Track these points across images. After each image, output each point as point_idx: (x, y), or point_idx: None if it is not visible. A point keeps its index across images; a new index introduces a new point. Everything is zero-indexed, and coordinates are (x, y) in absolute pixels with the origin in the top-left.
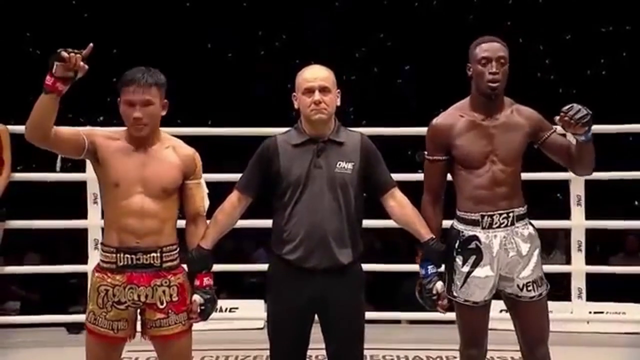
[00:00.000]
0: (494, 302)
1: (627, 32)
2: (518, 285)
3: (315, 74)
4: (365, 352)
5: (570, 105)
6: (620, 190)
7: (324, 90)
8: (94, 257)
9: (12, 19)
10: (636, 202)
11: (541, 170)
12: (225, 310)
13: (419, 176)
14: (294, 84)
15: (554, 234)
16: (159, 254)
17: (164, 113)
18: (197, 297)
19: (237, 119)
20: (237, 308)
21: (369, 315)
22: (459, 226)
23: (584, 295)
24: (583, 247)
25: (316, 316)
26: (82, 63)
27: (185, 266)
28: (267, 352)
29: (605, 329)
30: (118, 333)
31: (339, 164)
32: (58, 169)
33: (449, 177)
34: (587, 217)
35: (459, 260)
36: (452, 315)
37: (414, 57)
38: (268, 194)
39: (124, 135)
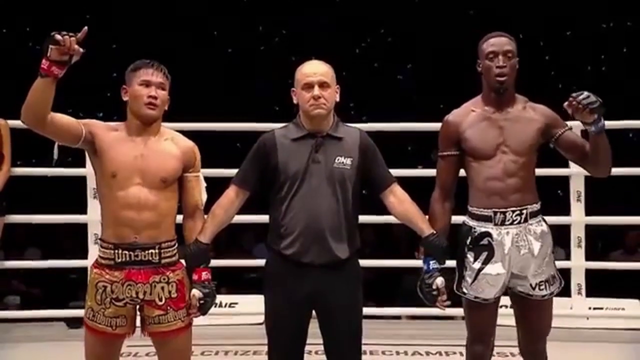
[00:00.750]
0: None
1: (627, 28)
2: (531, 285)
3: (315, 69)
4: (365, 347)
5: (580, 92)
6: (620, 187)
7: (323, 85)
8: (94, 251)
9: (13, 14)
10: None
11: (541, 166)
12: (225, 306)
13: (418, 172)
14: (293, 80)
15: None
16: (157, 251)
17: (165, 107)
18: (195, 292)
19: (236, 114)
20: (236, 303)
21: (369, 310)
22: (471, 222)
23: (583, 291)
24: (583, 243)
25: (314, 311)
26: (77, 46)
27: (183, 261)
28: (267, 348)
29: (605, 324)
30: (116, 330)
31: (338, 159)
32: (55, 156)
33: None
34: (587, 213)
35: (470, 256)
36: (451, 312)
37: (414, 53)
38: (265, 189)
39: (123, 127)
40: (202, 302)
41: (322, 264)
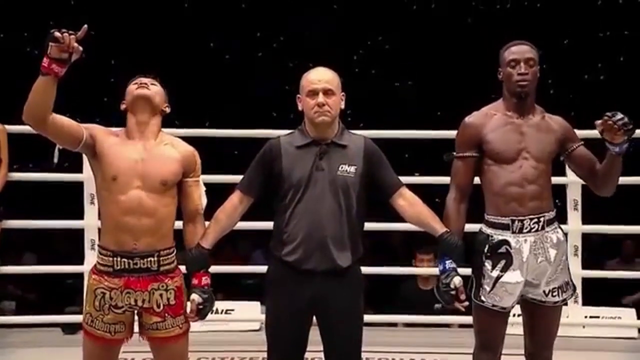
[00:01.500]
0: None
1: (625, 37)
2: (544, 291)
3: (320, 76)
4: (362, 354)
5: (614, 112)
6: (617, 195)
7: (328, 92)
8: (91, 257)
9: (11, 19)
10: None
11: None
12: (222, 312)
13: (417, 179)
14: (293, 86)
15: None
16: (156, 258)
17: (165, 107)
18: (195, 296)
19: (235, 120)
20: (233, 310)
21: (366, 318)
22: (488, 230)
23: (579, 299)
24: (579, 252)
25: (315, 318)
26: (76, 44)
27: (183, 268)
28: (264, 354)
29: (601, 333)
30: (115, 335)
31: (342, 167)
32: (55, 160)
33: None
34: (584, 222)
35: (488, 264)
36: (447, 319)
37: (413, 60)
38: (269, 195)
39: (122, 133)
40: (201, 307)
41: (324, 271)
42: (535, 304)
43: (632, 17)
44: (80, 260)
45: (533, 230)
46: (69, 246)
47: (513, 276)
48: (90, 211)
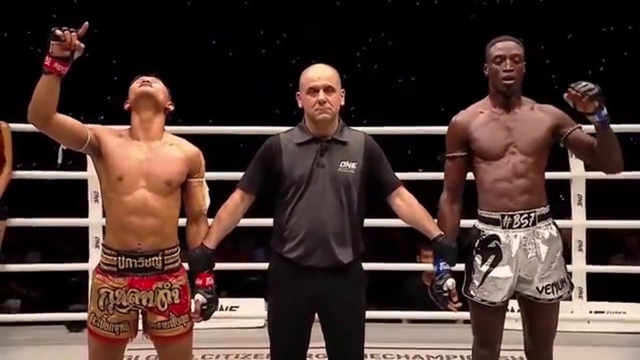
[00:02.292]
0: None
1: (628, 32)
2: (537, 288)
3: (320, 73)
4: (366, 351)
5: (578, 81)
6: (621, 190)
7: (328, 89)
8: (95, 255)
9: (14, 18)
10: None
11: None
12: (226, 309)
13: (419, 175)
14: (294, 83)
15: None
16: (160, 257)
17: (169, 104)
18: (199, 297)
19: (238, 118)
20: (237, 307)
21: (370, 314)
22: (480, 225)
23: (584, 294)
24: (584, 247)
25: (316, 315)
26: (78, 42)
27: (186, 265)
28: (268, 351)
29: (606, 328)
30: (120, 335)
31: (342, 164)
32: (60, 160)
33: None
34: (588, 217)
35: (478, 259)
36: (452, 315)
37: (414, 57)
38: (270, 193)
39: (127, 133)
40: (205, 307)
41: (325, 268)
42: (530, 301)
43: (635, 12)
44: (84, 258)
45: (523, 225)
46: (73, 244)
47: (502, 271)
48: (95, 209)
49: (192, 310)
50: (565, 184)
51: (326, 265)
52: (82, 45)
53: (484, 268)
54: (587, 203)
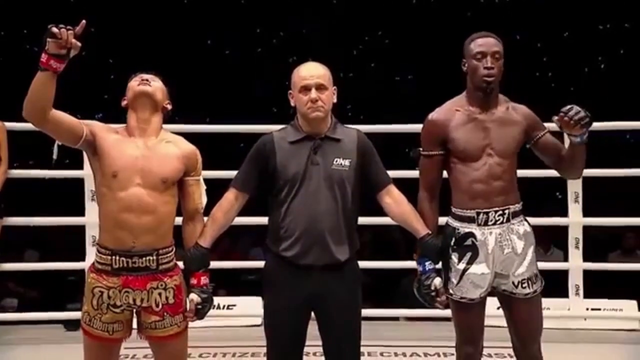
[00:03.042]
0: (490, 299)
1: (625, 30)
2: (513, 283)
3: (312, 72)
4: (363, 349)
5: (570, 106)
6: (618, 188)
7: (320, 87)
8: (92, 254)
9: (10, 16)
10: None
11: (540, 168)
12: (223, 308)
13: (415, 173)
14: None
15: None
16: (154, 257)
17: (167, 104)
18: (194, 296)
19: (235, 117)
20: (234, 305)
21: (367, 312)
22: (455, 223)
23: (581, 292)
24: (580, 244)
25: (313, 313)
26: (74, 40)
27: (181, 264)
28: (265, 349)
29: (603, 325)
30: (113, 335)
31: (336, 161)
32: (55, 157)
33: (445, 174)
34: (585, 214)
35: (454, 257)
36: (449, 313)
37: (412, 55)
38: (265, 191)
39: (123, 130)
40: (199, 306)
41: (322, 266)
42: (507, 296)
43: (632, 10)
44: (81, 257)
45: (498, 222)
46: (70, 243)
47: (479, 268)
48: (91, 207)
49: (187, 309)
50: (562, 182)
51: (323, 263)
52: (79, 44)
53: (461, 266)
54: (584, 200)
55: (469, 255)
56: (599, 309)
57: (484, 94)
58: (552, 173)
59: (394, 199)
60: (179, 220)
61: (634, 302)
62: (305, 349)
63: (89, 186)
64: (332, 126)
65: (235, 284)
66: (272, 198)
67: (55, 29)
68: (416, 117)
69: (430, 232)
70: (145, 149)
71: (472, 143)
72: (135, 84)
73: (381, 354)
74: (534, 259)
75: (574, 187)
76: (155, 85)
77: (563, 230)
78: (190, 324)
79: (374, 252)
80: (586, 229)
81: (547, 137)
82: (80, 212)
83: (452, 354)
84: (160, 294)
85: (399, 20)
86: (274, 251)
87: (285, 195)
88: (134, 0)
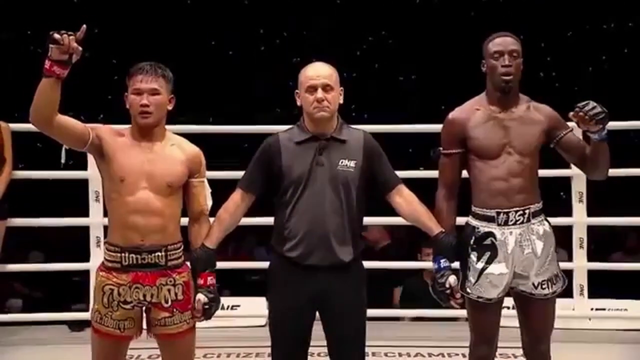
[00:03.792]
0: None
1: (629, 29)
2: (533, 284)
3: (318, 72)
4: (367, 349)
5: (586, 102)
6: (622, 188)
7: (326, 88)
8: (96, 254)
9: (14, 17)
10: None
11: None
12: (227, 308)
13: (420, 173)
14: (295, 82)
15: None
16: (163, 253)
17: (170, 107)
18: (201, 296)
19: (238, 117)
20: (239, 306)
21: (371, 312)
22: (474, 222)
23: (585, 292)
24: (585, 244)
25: (318, 314)
26: (76, 45)
27: (189, 264)
28: (269, 350)
29: (607, 325)
30: (124, 332)
31: (342, 162)
32: (63, 160)
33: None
34: (589, 214)
35: (473, 256)
36: (453, 313)
37: (415, 55)
38: (270, 192)
39: (129, 132)
40: (206, 306)
41: (326, 267)
42: (526, 297)
43: (636, 9)
44: (86, 258)
45: (518, 222)
46: (75, 244)
47: (497, 268)
48: (96, 208)
49: (195, 309)
50: (566, 182)
51: (327, 263)
52: (80, 49)
53: (480, 265)
54: (588, 200)
55: (487, 254)
56: (604, 309)
57: (503, 93)
58: (556, 173)
59: (404, 198)
60: (185, 220)
61: (639, 302)
62: (310, 349)
63: (94, 187)
64: (338, 127)
65: (239, 284)
66: (277, 198)
67: (57, 35)
68: (418, 118)
69: (443, 230)
70: (151, 153)
71: (491, 141)
72: (135, 108)
73: (385, 354)
74: (554, 259)
75: (578, 187)
76: (155, 108)
77: (567, 230)
78: (196, 324)
79: (377, 252)
80: (590, 229)
81: (570, 137)
82: (85, 213)
83: (457, 354)
84: (169, 290)
85: (402, 20)
86: (279, 251)
87: (290, 196)
88: (137, 1)
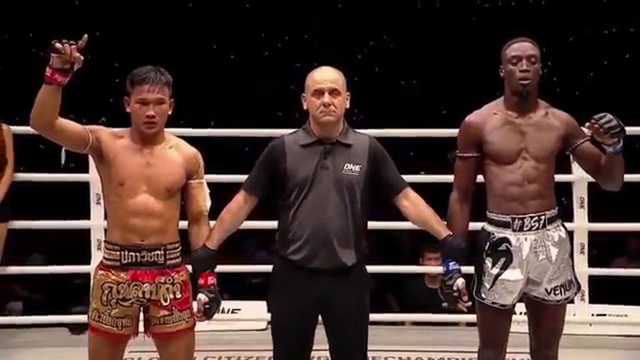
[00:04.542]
0: None
1: (630, 34)
2: (546, 289)
3: (325, 76)
4: (369, 353)
5: (603, 114)
6: (624, 193)
7: (333, 92)
8: (97, 257)
9: (15, 19)
10: None
11: None
12: (228, 312)
13: (421, 178)
14: (296, 86)
15: None
16: (162, 252)
17: (170, 112)
18: (201, 296)
19: (240, 120)
20: (239, 309)
21: (372, 316)
22: (490, 228)
23: (586, 297)
24: (586, 250)
25: (320, 317)
26: (77, 54)
27: (190, 267)
28: (270, 353)
29: (608, 331)
30: (122, 330)
31: (346, 166)
32: (62, 161)
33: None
34: (590, 220)
35: (488, 262)
36: (455, 318)
37: (416, 60)
38: (274, 194)
39: (128, 134)
40: (207, 306)
41: (329, 270)
42: (538, 302)
43: (637, 14)
44: (87, 260)
45: (534, 228)
46: (76, 246)
47: (513, 274)
48: (97, 211)
49: (195, 309)
50: (568, 187)
51: (329, 267)
52: (82, 58)
53: (495, 271)
54: (589, 206)
55: (502, 260)
56: (605, 315)
57: (520, 98)
58: (558, 178)
59: (411, 201)
60: (183, 224)
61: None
62: (312, 353)
63: (95, 190)
64: (344, 131)
65: (239, 287)
66: (281, 201)
67: (58, 45)
68: (419, 122)
69: (451, 233)
70: (151, 156)
71: (507, 145)
72: (141, 118)
73: (386, 359)
74: (568, 265)
75: (579, 192)
76: (160, 118)
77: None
78: (196, 328)
79: (378, 256)
80: (591, 234)
81: (586, 146)
82: (86, 216)
83: (457, 359)
84: (168, 289)
85: (404, 24)
86: (282, 254)
87: (294, 199)
88: (139, 4)
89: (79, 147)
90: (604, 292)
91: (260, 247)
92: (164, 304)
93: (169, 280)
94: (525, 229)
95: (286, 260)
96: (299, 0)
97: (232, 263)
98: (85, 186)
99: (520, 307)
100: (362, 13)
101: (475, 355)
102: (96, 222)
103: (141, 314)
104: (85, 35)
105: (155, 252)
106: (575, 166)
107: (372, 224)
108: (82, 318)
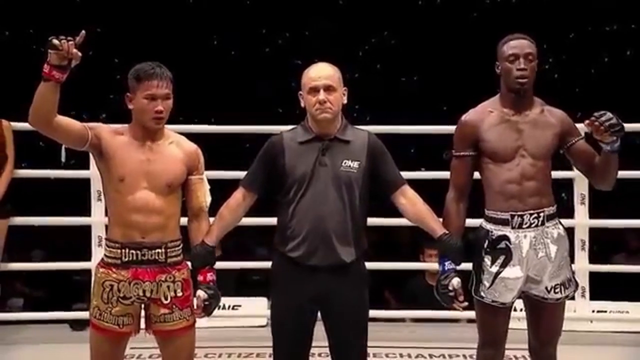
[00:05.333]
0: None
1: (631, 31)
2: (546, 288)
3: (320, 73)
4: (369, 350)
5: (603, 112)
6: (624, 190)
7: (329, 89)
8: (98, 254)
9: (16, 16)
10: None
11: None
12: (228, 308)
13: (422, 174)
14: (297, 82)
15: None
16: (163, 250)
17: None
18: (201, 293)
19: (239, 117)
20: (239, 306)
21: (372, 313)
22: (488, 226)
23: (587, 294)
24: (586, 246)
25: (319, 314)
26: (75, 50)
27: (190, 263)
28: (270, 350)
29: (609, 327)
30: (123, 328)
31: (345, 163)
32: (63, 159)
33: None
34: (591, 216)
35: (487, 260)
36: (455, 314)
37: (417, 56)
38: (273, 191)
39: (128, 131)
40: (206, 303)
41: (328, 267)
42: (537, 301)
43: (638, 11)
44: (87, 257)
45: (533, 225)
46: (76, 243)
47: (512, 272)
48: (97, 208)
49: (195, 306)
50: (568, 183)
51: (328, 264)
52: (80, 54)
53: (494, 269)
54: (590, 202)
55: (502, 258)
56: (605, 311)
57: (517, 96)
58: (558, 175)
59: (408, 199)
60: (184, 220)
61: None
62: (312, 350)
63: (96, 186)
64: (342, 127)
65: (240, 284)
66: (280, 198)
67: (56, 41)
68: (420, 119)
69: (447, 232)
70: (151, 152)
71: (504, 143)
72: (149, 113)
73: (386, 355)
74: (567, 263)
75: (580, 188)
76: (167, 108)
77: (569, 232)
78: (196, 324)
79: (378, 253)
80: (592, 231)
81: (581, 144)
82: (87, 212)
83: (457, 356)
84: (168, 287)
85: (405, 21)
86: (281, 251)
87: (292, 196)
88: (140, 1)
89: (77, 145)
90: (604, 288)
91: (260, 243)
92: (165, 302)
93: (170, 278)
94: (524, 226)
95: (285, 257)
96: None
97: (233, 259)
98: (86, 183)
99: (519, 304)
100: (363, 10)
101: (475, 351)
102: (97, 219)
103: (142, 311)
104: (83, 32)
105: (156, 250)
106: None
107: (372, 220)
108: (82, 315)
